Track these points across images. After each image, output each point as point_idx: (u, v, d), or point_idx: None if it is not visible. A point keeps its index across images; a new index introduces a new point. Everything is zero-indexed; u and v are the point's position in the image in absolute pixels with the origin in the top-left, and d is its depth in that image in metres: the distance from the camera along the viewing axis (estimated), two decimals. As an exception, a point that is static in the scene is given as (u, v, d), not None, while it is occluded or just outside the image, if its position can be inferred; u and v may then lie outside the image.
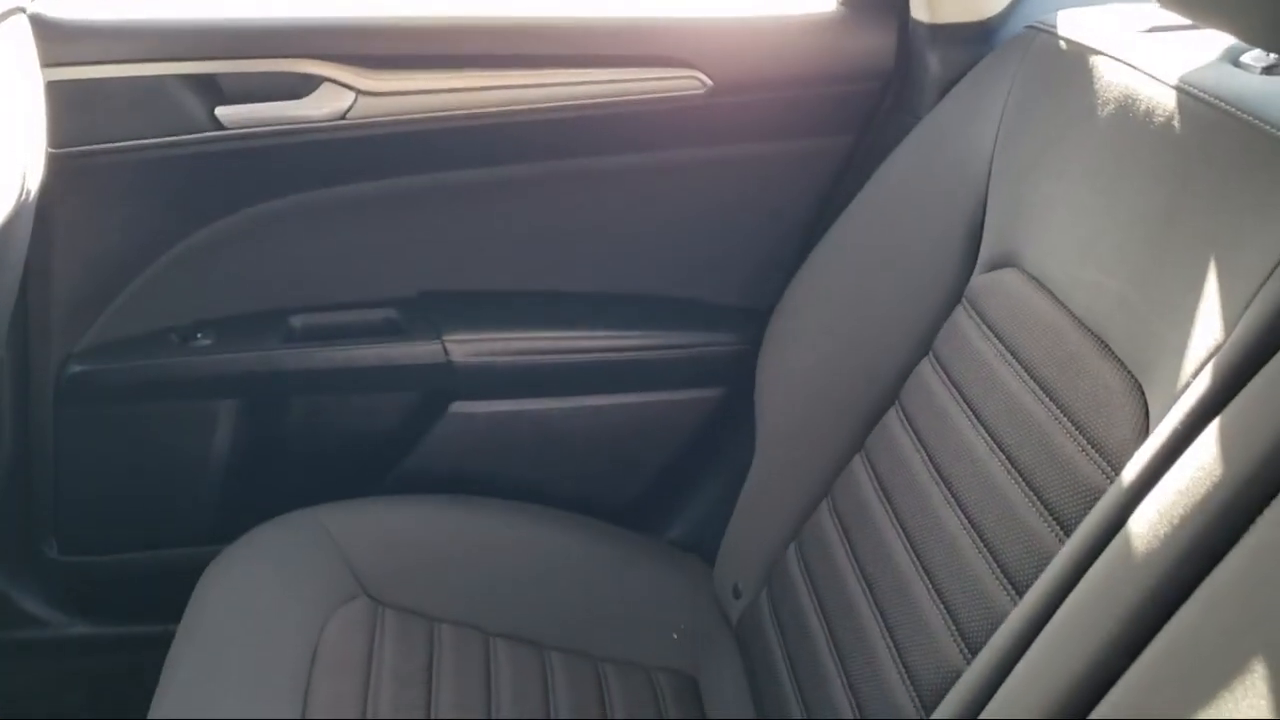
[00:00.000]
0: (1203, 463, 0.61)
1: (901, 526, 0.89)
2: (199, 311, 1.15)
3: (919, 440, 0.92)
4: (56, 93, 0.97)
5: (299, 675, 0.92)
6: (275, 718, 0.87)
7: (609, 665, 1.06)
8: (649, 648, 1.10)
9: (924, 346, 0.97)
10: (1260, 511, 0.57)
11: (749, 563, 1.09)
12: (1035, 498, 0.76)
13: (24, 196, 0.94)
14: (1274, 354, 0.61)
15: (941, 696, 0.75)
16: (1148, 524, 0.63)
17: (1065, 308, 0.82)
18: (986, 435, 0.84)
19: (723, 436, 1.24)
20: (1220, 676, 0.55)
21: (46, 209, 1.01)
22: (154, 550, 1.21)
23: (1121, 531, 0.64)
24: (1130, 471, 0.67)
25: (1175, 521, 0.61)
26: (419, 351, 1.15)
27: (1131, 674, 0.60)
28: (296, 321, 1.16)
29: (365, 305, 1.17)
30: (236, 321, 1.16)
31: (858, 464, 0.99)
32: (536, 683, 1.01)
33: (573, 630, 1.08)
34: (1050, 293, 0.84)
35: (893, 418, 0.97)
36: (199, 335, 1.14)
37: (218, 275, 1.14)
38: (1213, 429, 0.62)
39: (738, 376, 1.20)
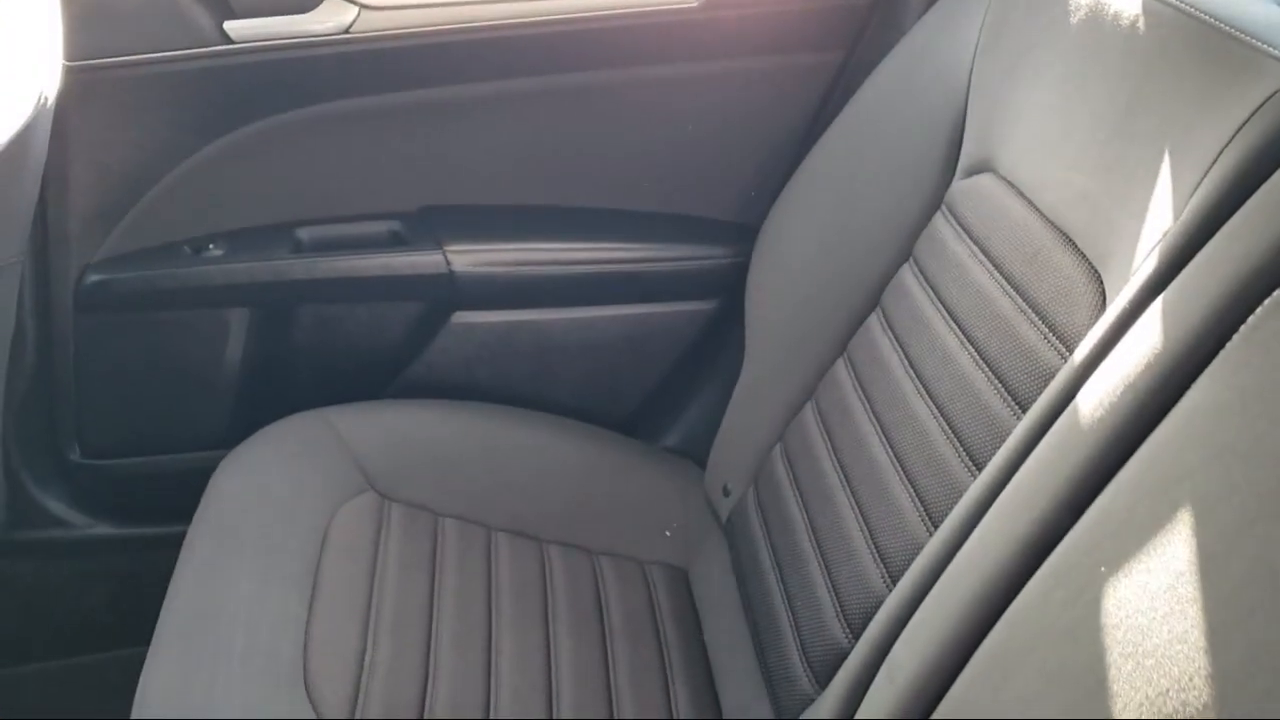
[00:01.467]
0: (1145, 337, 0.65)
1: (877, 420, 0.94)
2: (210, 224, 1.20)
3: (897, 340, 0.96)
4: (71, 6, 1.01)
5: (309, 559, 0.98)
6: (287, 596, 0.93)
7: (604, 558, 1.12)
8: (643, 543, 1.16)
9: (905, 252, 1.01)
10: (1195, 378, 0.62)
11: (737, 463, 1.14)
12: (999, 384, 0.81)
13: (42, 104, 0.98)
14: (1215, 233, 0.65)
15: (906, 568, 0.80)
16: (1093, 396, 0.67)
17: (1034, 206, 0.85)
18: (958, 330, 0.88)
19: (716, 347, 1.29)
20: (1152, 529, 0.59)
21: (63, 121, 1.05)
22: (171, 454, 1.26)
23: (1070, 405, 0.69)
24: (1081, 351, 0.71)
25: (1117, 392, 0.65)
26: (421, 262, 1.19)
27: (1075, 532, 0.65)
28: (304, 234, 1.21)
29: (369, 218, 1.22)
30: (246, 234, 1.20)
31: (840, 366, 1.04)
32: (535, 572, 1.07)
33: (571, 526, 1.14)
34: (1021, 193, 0.88)
35: (874, 321, 1.01)
36: (210, 246, 1.19)
37: (227, 189, 1.18)
38: (1156, 305, 0.66)
39: (731, 289, 1.24)
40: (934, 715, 0.70)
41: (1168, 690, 0.55)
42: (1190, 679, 0.54)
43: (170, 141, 1.14)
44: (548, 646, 0.99)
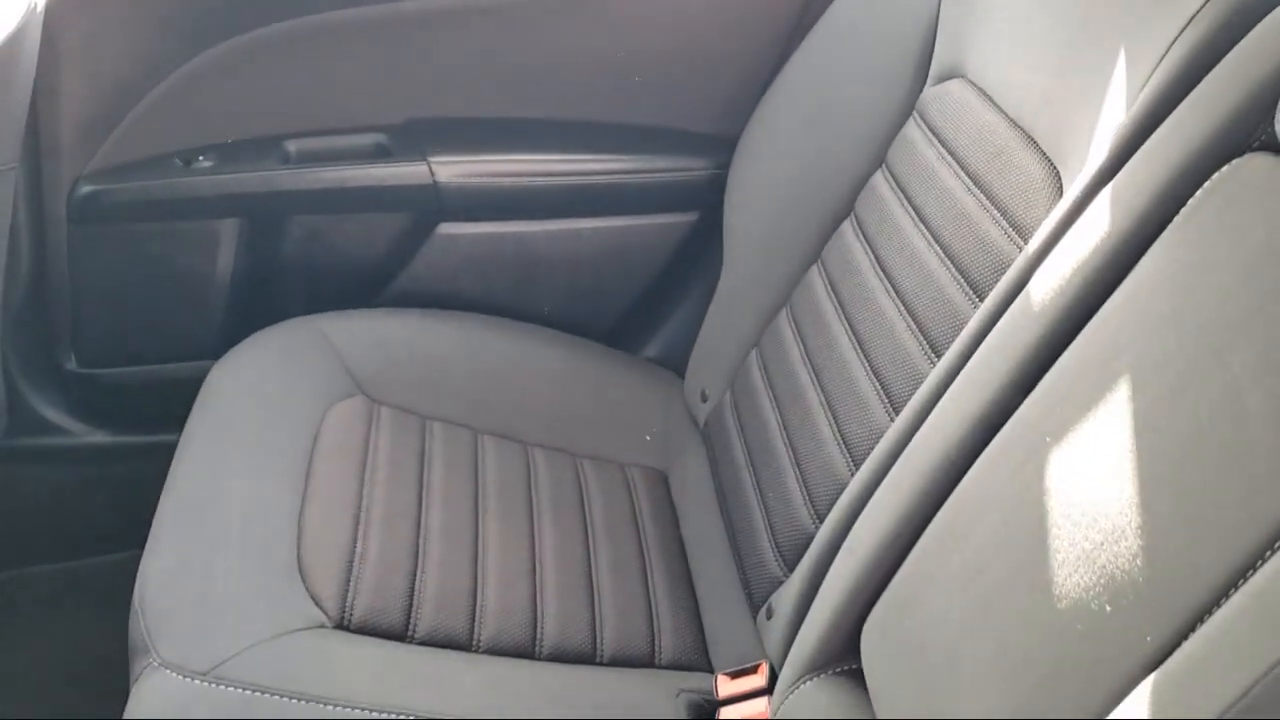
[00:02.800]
0: (1093, 223, 0.69)
1: (847, 319, 0.97)
2: (199, 137, 1.21)
3: (868, 243, 0.99)
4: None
5: (301, 456, 1.02)
6: (280, 489, 0.97)
7: (587, 461, 1.16)
8: (624, 447, 1.20)
9: (877, 160, 1.03)
10: (1138, 259, 0.65)
11: (715, 369, 1.18)
12: (961, 278, 0.84)
13: (32, 10, 1.00)
14: (1161, 123, 0.68)
15: (868, 454, 0.84)
16: (1044, 281, 0.71)
17: (999, 108, 0.88)
18: (925, 230, 0.91)
19: (696, 260, 1.31)
20: (1093, 400, 0.63)
21: (53, 29, 1.06)
22: (165, 363, 1.29)
23: (1023, 291, 0.72)
24: (1035, 240, 0.74)
25: (1066, 276, 0.69)
26: (406, 173, 1.21)
27: (1023, 408, 0.69)
28: (292, 146, 1.23)
29: (356, 131, 1.23)
30: (235, 146, 1.22)
31: (814, 272, 1.07)
32: (520, 473, 1.11)
33: (554, 431, 1.18)
34: (988, 97, 0.90)
35: (847, 228, 1.05)
36: (200, 158, 1.21)
37: (217, 101, 1.20)
38: (1105, 193, 0.69)
39: (710, 202, 1.27)
40: (891, 583, 0.75)
41: (1101, 544, 0.59)
42: (1121, 532, 0.58)
43: (160, 52, 1.16)
44: (532, 540, 1.03)
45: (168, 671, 0.79)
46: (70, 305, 1.25)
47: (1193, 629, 0.53)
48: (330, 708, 0.80)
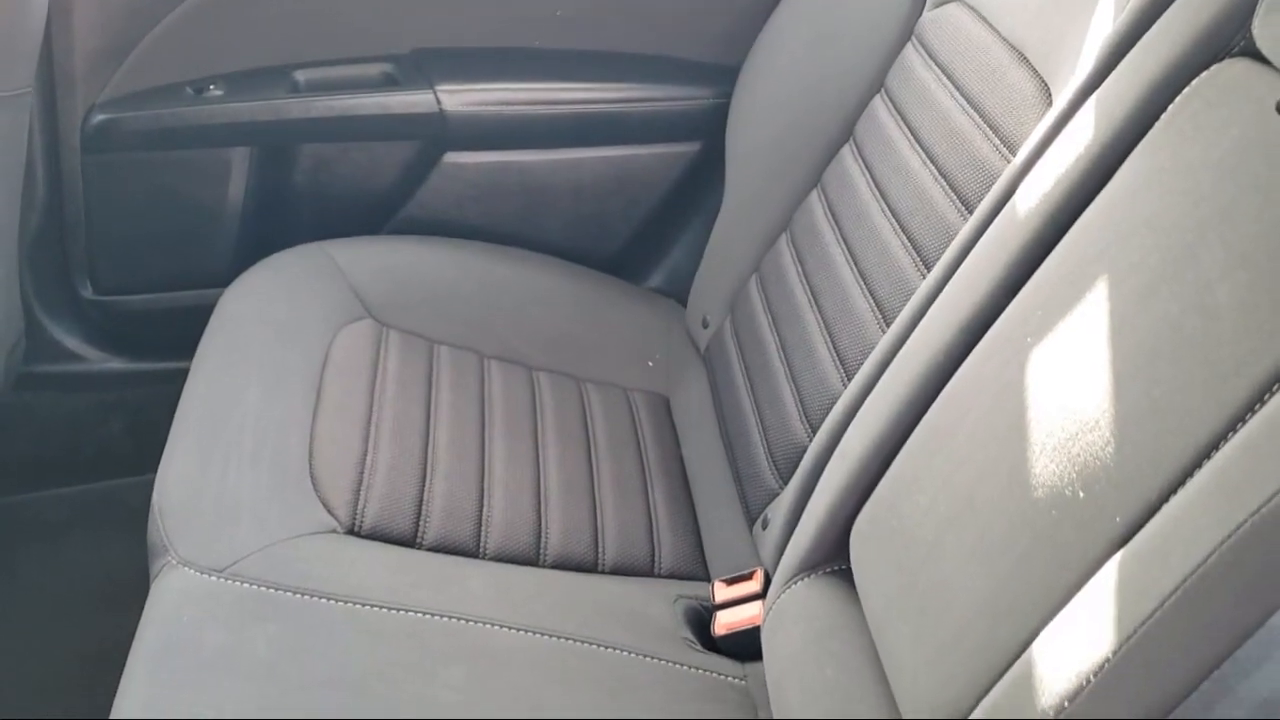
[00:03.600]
0: (1077, 132, 0.71)
1: (844, 240, 0.99)
2: (209, 66, 1.23)
3: (865, 165, 1.01)
4: None
5: (312, 375, 1.05)
6: (292, 404, 1.00)
7: (590, 385, 1.19)
8: (627, 373, 1.23)
9: (877, 84, 1.05)
10: (1117, 168, 0.67)
11: (716, 295, 1.20)
12: (953, 194, 0.86)
13: (45, -66, 1.02)
14: (1145, 33, 0.69)
15: (859, 367, 0.87)
16: (1030, 190, 0.73)
17: (994, 29, 0.90)
18: (920, 150, 0.93)
19: (699, 189, 1.33)
20: (1073, 300, 0.66)
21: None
22: (178, 291, 1.32)
23: (1010, 200, 0.74)
24: (1022, 152, 0.76)
25: (1050, 184, 0.71)
26: (413, 101, 1.23)
27: (1008, 311, 0.72)
28: (300, 76, 1.24)
29: (363, 60, 1.25)
30: (245, 75, 1.24)
31: (814, 197, 1.09)
32: (525, 395, 1.14)
33: (559, 356, 1.20)
34: (983, 18, 0.92)
35: (846, 151, 1.06)
36: (211, 87, 1.23)
37: (226, 31, 1.22)
38: (1089, 104, 0.71)
39: (713, 131, 1.28)
40: (879, 484, 0.78)
41: (1075, 434, 0.62)
42: (1095, 423, 0.61)
43: (171, -20, 1.17)
44: (536, 457, 1.06)
45: (185, 569, 0.83)
46: (85, 232, 1.28)
47: (1158, 509, 0.56)
48: (342, 604, 0.83)
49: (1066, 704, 0.55)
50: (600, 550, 1.00)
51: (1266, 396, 0.53)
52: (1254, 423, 0.53)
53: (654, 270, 1.38)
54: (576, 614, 0.90)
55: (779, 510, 0.94)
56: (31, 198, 1.22)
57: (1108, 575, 0.56)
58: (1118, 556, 0.56)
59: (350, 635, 0.81)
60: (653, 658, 0.88)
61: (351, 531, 0.92)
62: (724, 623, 0.93)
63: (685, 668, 0.89)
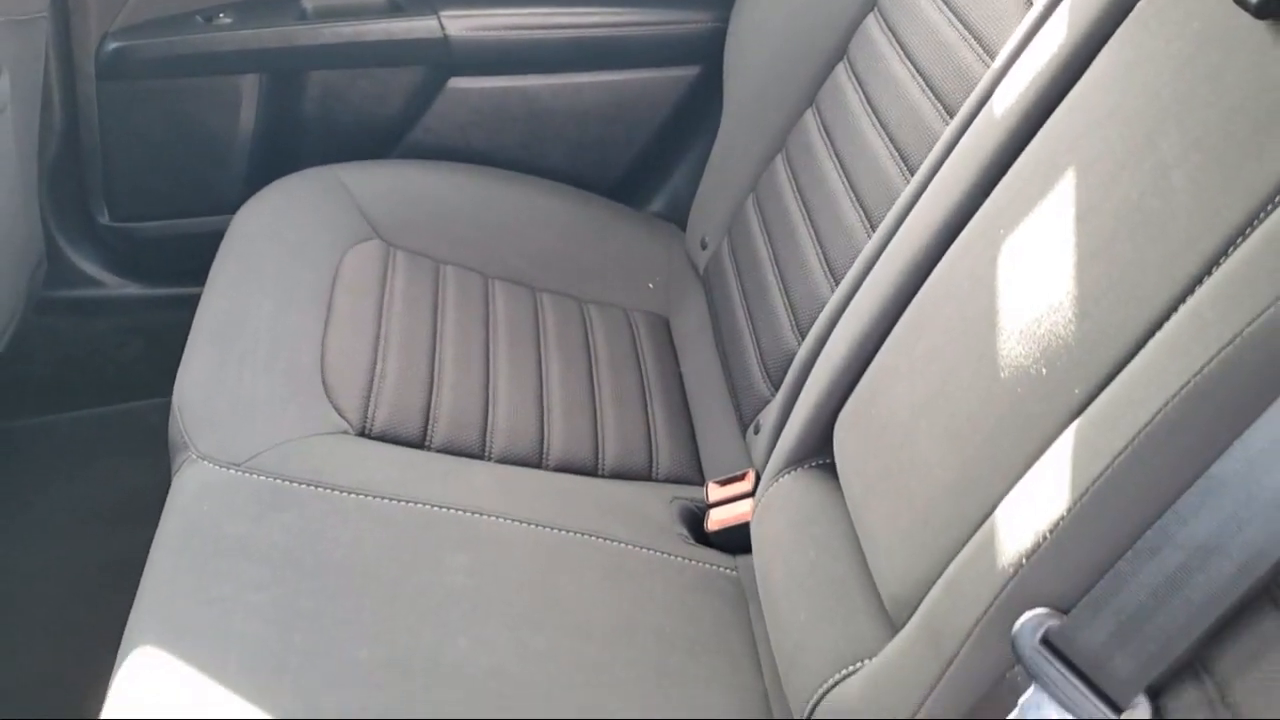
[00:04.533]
0: (1052, 33, 0.73)
1: (836, 155, 1.02)
2: (218, -5, 1.27)
3: (858, 82, 1.04)
4: None
5: (322, 290, 1.08)
6: (303, 316, 1.04)
7: (592, 305, 1.23)
8: (628, 294, 1.26)
9: (870, 3, 1.07)
10: (1089, 64, 0.70)
11: (714, 216, 1.24)
12: (939, 104, 0.89)
13: None
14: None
15: (845, 273, 0.91)
16: (1006, 91, 0.76)
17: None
18: (910, 63, 0.96)
19: (699, 114, 1.36)
20: (1043, 191, 0.69)
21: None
22: (192, 217, 1.36)
23: (988, 101, 0.77)
24: (1000, 57, 0.79)
25: (1025, 83, 0.74)
26: (418, 27, 1.26)
27: (983, 208, 0.75)
28: (307, 2, 1.27)
29: (368, -14, 1.28)
30: (253, 3, 1.27)
31: (809, 115, 1.12)
32: (529, 314, 1.18)
33: (561, 278, 1.24)
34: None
35: (840, 70, 1.09)
36: (220, 15, 1.26)
37: (234, -41, 1.25)
38: (1064, 4, 0.74)
39: (712, 55, 1.31)
40: (861, 379, 0.82)
41: (1041, 317, 0.65)
42: (1059, 304, 0.64)
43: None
44: (539, 371, 1.10)
45: (205, 462, 0.88)
46: (100, 159, 1.31)
47: (1112, 379, 0.59)
48: (353, 496, 0.88)
49: (1024, 560, 0.59)
50: (600, 456, 1.04)
51: (1214, 269, 0.56)
52: (1201, 292, 0.56)
53: (655, 195, 1.42)
54: (577, 510, 0.95)
55: (770, 415, 0.98)
56: (49, 125, 1.26)
57: (1065, 442, 0.60)
58: (1074, 425, 0.60)
59: (361, 524, 0.86)
60: (649, 549, 0.93)
61: (362, 433, 0.97)
62: (716, 519, 0.98)
63: (680, 559, 0.93)
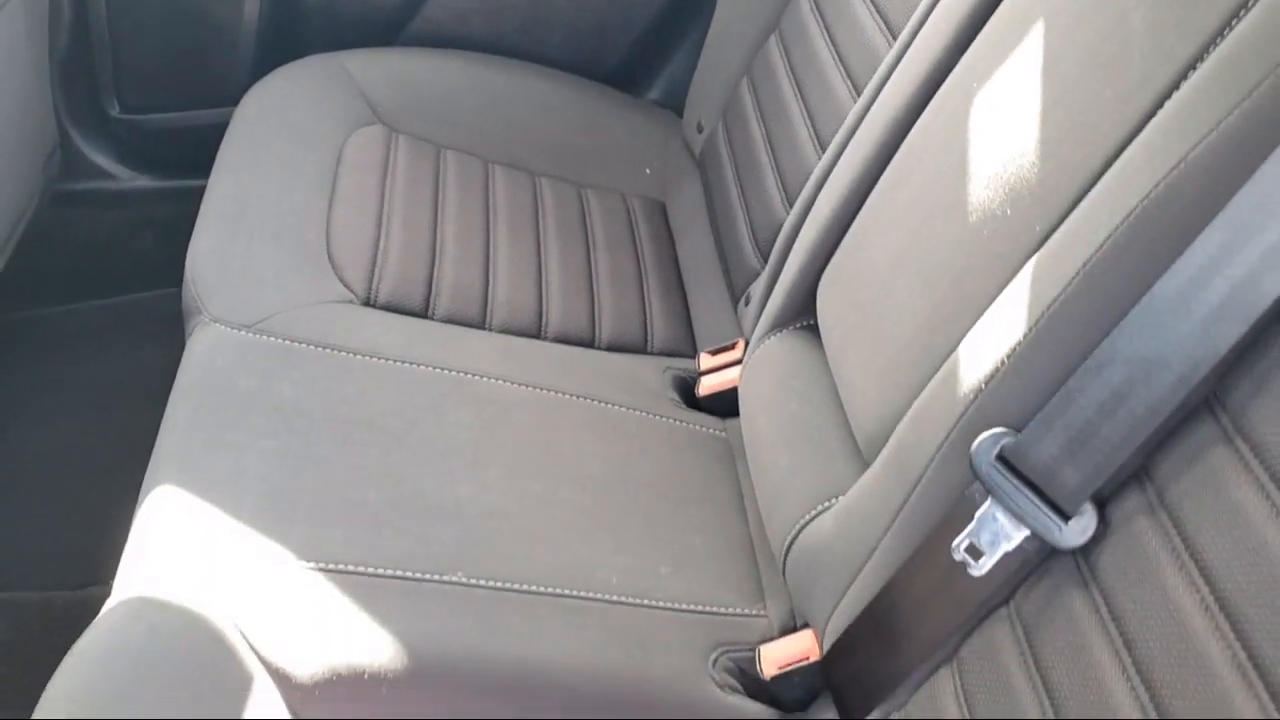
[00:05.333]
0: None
1: (827, 30, 1.04)
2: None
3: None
4: None
5: (326, 171, 1.12)
6: (309, 195, 1.07)
7: (590, 190, 1.26)
8: (625, 179, 1.29)
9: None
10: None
11: (710, 100, 1.26)
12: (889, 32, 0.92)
13: None
14: None
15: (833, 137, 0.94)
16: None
17: None
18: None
19: (697, 2, 1.37)
20: (1013, 43, 0.71)
21: None
22: (199, 109, 1.39)
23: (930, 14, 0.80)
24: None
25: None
26: (419, -87, 1.28)
27: (959, 65, 0.77)
28: (307, -109, 1.29)
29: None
30: (254, -108, 1.29)
31: (801, -2, 1.13)
32: (528, 197, 1.21)
33: (560, 163, 1.27)
34: None
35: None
36: (224, -96, 1.27)
37: None
38: None
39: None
40: (844, 239, 0.85)
41: (1008, 163, 0.68)
42: (1024, 149, 0.67)
43: None
44: (538, 250, 1.14)
45: (217, 325, 0.92)
46: (110, 53, 1.34)
47: (1069, 214, 0.63)
48: (359, 357, 0.92)
49: (984, 385, 0.63)
50: (597, 329, 1.08)
51: (1165, 103, 0.59)
52: (1151, 125, 0.59)
53: (652, 83, 1.44)
54: (574, 376, 0.99)
55: (759, 285, 1.01)
56: (59, 18, 1.28)
57: (1024, 275, 0.64)
58: (1033, 259, 0.64)
59: (367, 382, 0.90)
60: (643, 411, 0.97)
61: (367, 303, 1.01)
62: (707, 385, 1.02)
63: (672, 420, 0.98)
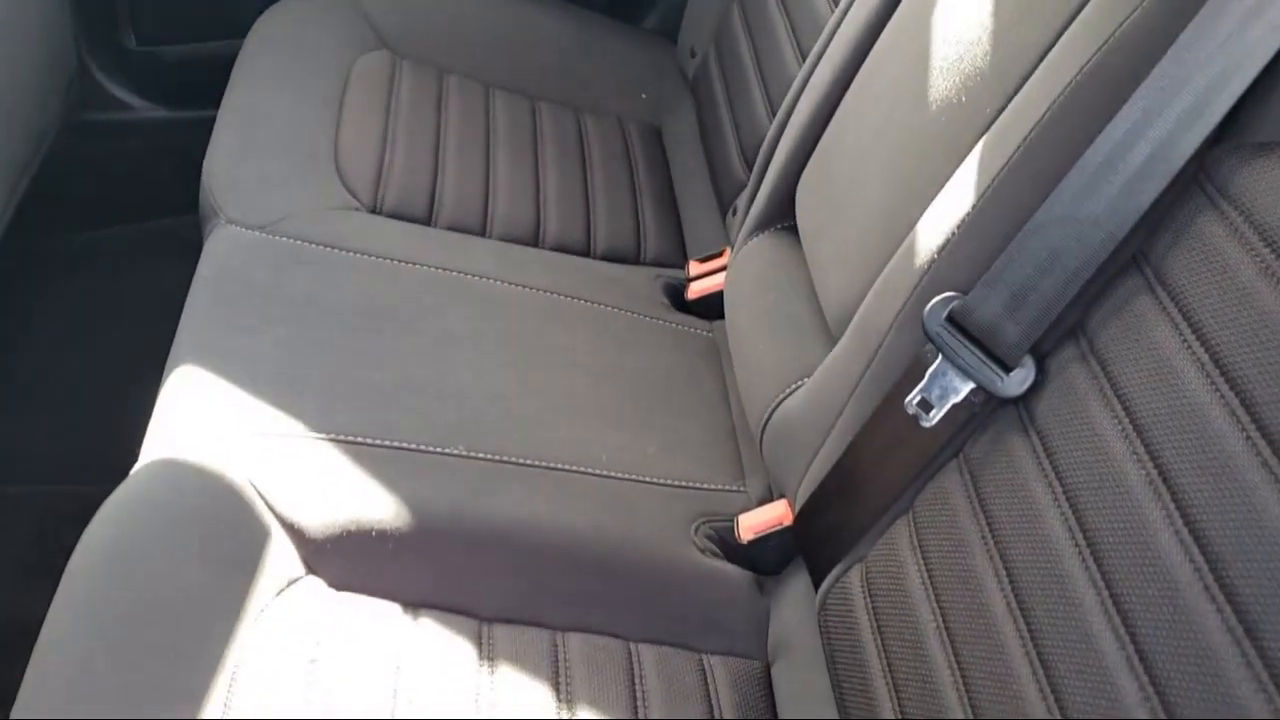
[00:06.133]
0: None
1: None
2: None
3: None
4: None
5: (333, 91, 1.17)
6: (317, 112, 1.13)
7: (587, 114, 1.31)
8: (622, 105, 1.34)
9: None
10: None
11: (702, 26, 1.31)
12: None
13: None
14: None
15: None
16: None
17: None
18: None
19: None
20: None
21: None
22: (213, 40, 1.44)
23: None
24: None
25: None
26: None
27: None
28: None
29: None
30: None
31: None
32: (527, 120, 1.26)
33: (559, 89, 1.32)
34: None
35: None
36: None
37: None
38: None
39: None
40: (820, 142, 0.90)
41: (963, 54, 0.73)
42: (978, 39, 0.72)
43: None
44: (536, 168, 1.19)
45: (232, 226, 0.98)
46: (127, -16, 1.39)
47: (1014, 95, 0.68)
48: (366, 257, 0.98)
49: (936, 255, 0.69)
50: (592, 240, 1.14)
51: (1102, -12, 0.64)
52: (1090, 5, 0.64)
53: (648, 11, 1.48)
54: (570, 279, 1.05)
55: (744, 197, 1.07)
56: (74, -52, 1.34)
57: (975, 153, 0.69)
58: (981, 141, 0.69)
59: (374, 279, 0.96)
60: (634, 312, 1.03)
61: (373, 211, 1.06)
62: (695, 289, 1.08)
63: (661, 321, 1.04)
